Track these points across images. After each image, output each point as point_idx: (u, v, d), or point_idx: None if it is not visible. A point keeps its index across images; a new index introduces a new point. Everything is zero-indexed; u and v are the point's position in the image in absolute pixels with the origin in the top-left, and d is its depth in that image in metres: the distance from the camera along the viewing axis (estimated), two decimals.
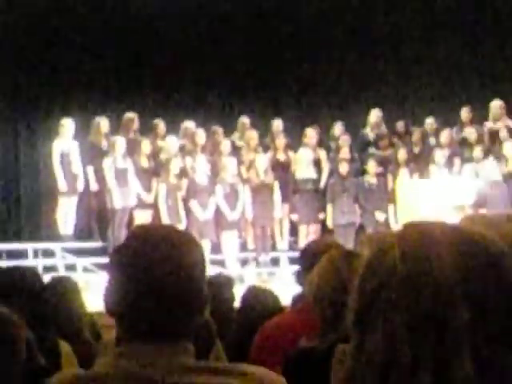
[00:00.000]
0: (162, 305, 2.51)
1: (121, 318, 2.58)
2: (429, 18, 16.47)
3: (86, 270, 13.75)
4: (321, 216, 14.73)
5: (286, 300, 6.50)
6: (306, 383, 3.00)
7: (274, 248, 14.68)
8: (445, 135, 15.33)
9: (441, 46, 16.62)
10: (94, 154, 14.67)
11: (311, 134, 15.13)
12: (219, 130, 15.16)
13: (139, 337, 2.53)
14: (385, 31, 16.53)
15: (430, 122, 15.86)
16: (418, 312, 1.62)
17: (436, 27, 16.52)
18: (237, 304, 6.86)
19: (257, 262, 14.48)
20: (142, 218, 14.15)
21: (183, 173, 14.35)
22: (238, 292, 7.21)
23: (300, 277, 4.98)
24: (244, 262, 14.46)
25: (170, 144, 14.68)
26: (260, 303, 6.22)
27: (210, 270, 10.25)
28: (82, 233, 14.89)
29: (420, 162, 15.07)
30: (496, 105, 15.60)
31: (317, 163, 14.95)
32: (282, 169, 14.82)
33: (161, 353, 2.50)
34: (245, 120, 15.55)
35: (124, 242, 2.65)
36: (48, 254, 14.36)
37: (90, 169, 14.61)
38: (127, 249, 2.60)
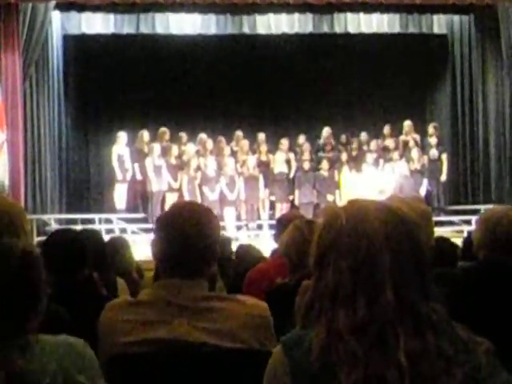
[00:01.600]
0: (188, 253, 2.54)
1: (161, 261, 2.60)
2: (366, 66, 16.39)
3: (133, 232, 13.69)
4: (290, 197, 14.70)
5: (267, 253, 6.50)
6: (282, 309, 3.00)
7: (258, 218, 14.63)
8: (373, 144, 15.35)
9: (372, 87, 16.61)
10: (139, 156, 14.62)
11: (284, 142, 15.09)
12: (222, 139, 15.10)
13: (172, 274, 2.54)
14: (335, 80, 16.47)
15: (363, 135, 15.84)
16: (356, 257, 1.65)
17: (372, 74, 16.46)
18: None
19: (247, 228, 14.46)
20: (171, 198, 14.11)
21: (198, 168, 14.31)
22: (234, 247, 7.22)
23: (276, 237, 4.99)
24: (239, 228, 14.41)
25: (190, 149, 14.63)
26: (248, 254, 6.24)
27: None
28: (130, 207, 14.84)
29: (356, 161, 15.05)
30: (407, 123, 15.60)
31: (288, 162, 14.91)
32: (264, 166, 14.77)
33: (185, 286, 2.53)
34: (239, 133, 15.49)
35: (165, 212, 2.71)
36: (108, 221, 14.33)
37: (136, 165, 14.57)
38: (167, 216, 2.65)
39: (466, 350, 1.64)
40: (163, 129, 14.99)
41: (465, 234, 11.98)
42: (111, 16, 15.00)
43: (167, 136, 14.93)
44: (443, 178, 14.95)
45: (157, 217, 2.82)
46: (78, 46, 15.85)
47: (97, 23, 15.07)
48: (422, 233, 1.76)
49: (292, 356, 1.70)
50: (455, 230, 13.75)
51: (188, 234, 2.51)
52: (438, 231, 11.68)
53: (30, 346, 2.02)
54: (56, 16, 14.67)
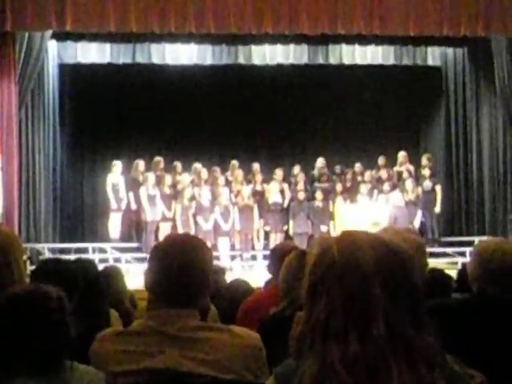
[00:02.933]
0: (181, 284, 2.54)
1: (153, 291, 2.60)
2: (361, 97, 16.47)
3: (127, 261, 13.65)
4: (284, 227, 14.68)
5: (260, 282, 6.47)
6: (275, 339, 2.99)
7: (253, 248, 14.60)
8: (367, 175, 15.37)
9: (367, 119, 16.68)
10: (133, 185, 14.61)
11: (278, 173, 15.11)
12: (217, 169, 15.11)
13: (164, 305, 2.54)
14: (330, 111, 16.54)
15: (357, 165, 15.87)
16: (348, 291, 1.64)
17: (367, 105, 16.54)
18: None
19: (241, 258, 14.42)
20: (165, 227, 14.10)
21: (193, 198, 14.30)
22: (228, 277, 7.19)
23: (270, 268, 4.97)
24: (233, 258, 14.38)
25: (184, 178, 14.63)
26: (238, 286, 6.22)
27: None
28: (124, 237, 14.81)
29: (351, 192, 15.07)
30: (401, 154, 15.66)
31: (282, 192, 14.92)
32: (259, 196, 14.77)
33: (177, 316, 2.52)
34: (234, 163, 15.50)
35: (159, 243, 2.71)
36: (102, 250, 14.28)
37: (131, 194, 14.57)
38: (160, 248, 2.65)
39: (459, 383, 1.64)
40: (158, 158, 15.02)
41: (459, 266, 11.97)
42: (107, 45, 15.08)
43: (162, 165, 14.94)
44: (437, 209, 14.96)
45: (151, 247, 2.83)
46: (74, 75, 15.90)
47: (93, 52, 15.14)
48: (414, 265, 1.75)
49: None
50: (449, 261, 13.73)
51: (181, 266, 2.52)
52: (432, 263, 11.65)
53: (68, 371, 2.33)
54: (52, 45, 14.74)
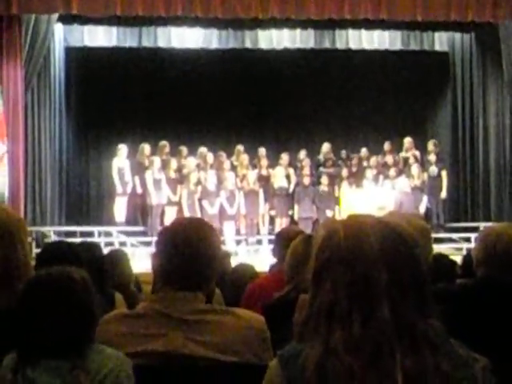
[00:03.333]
0: (187, 267, 2.55)
1: (160, 275, 2.60)
2: (367, 82, 16.42)
3: (132, 245, 13.67)
4: (290, 212, 14.68)
5: (265, 267, 6.48)
6: (279, 323, 2.99)
7: (258, 233, 14.61)
8: (373, 160, 15.36)
9: (373, 104, 16.65)
10: (139, 169, 14.62)
11: (284, 157, 15.12)
12: (223, 154, 15.11)
13: (169, 288, 2.54)
14: (336, 96, 16.49)
15: (363, 151, 15.85)
16: (354, 273, 1.64)
17: (373, 90, 16.51)
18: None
19: (247, 242, 14.43)
20: (170, 212, 14.11)
21: (198, 182, 14.30)
22: (234, 262, 7.21)
23: (275, 252, 4.98)
24: (238, 242, 14.39)
25: (190, 163, 14.63)
26: (243, 270, 6.23)
27: None
28: (130, 220, 14.83)
29: (356, 177, 15.06)
30: (407, 140, 15.63)
31: (288, 177, 14.92)
32: (264, 180, 14.77)
33: (181, 298, 2.52)
34: (240, 147, 15.49)
35: (167, 227, 2.72)
36: (107, 234, 14.31)
37: (137, 178, 14.57)
38: (168, 232, 2.65)
39: (463, 367, 1.63)
40: (163, 142, 15.01)
41: (464, 252, 11.99)
42: (113, 29, 15.04)
43: (167, 149, 14.93)
44: (443, 195, 14.94)
45: (159, 230, 2.83)
46: (80, 59, 15.88)
47: (99, 36, 15.11)
48: (420, 249, 1.75)
49: (288, 370, 1.69)
50: (454, 247, 13.73)
51: (189, 249, 2.52)
52: (437, 248, 11.64)
53: (93, 353, 2.33)
54: (58, 28, 14.71)
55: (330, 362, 1.60)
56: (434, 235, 13.78)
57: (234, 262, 7.37)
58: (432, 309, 1.67)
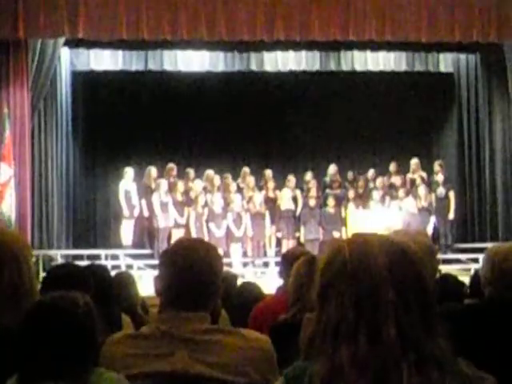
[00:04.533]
0: (190, 287, 2.55)
1: (164, 296, 2.61)
2: (373, 104, 16.46)
3: (139, 268, 13.67)
4: (296, 234, 14.68)
5: (272, 289, 6.46)
6: (286, 344, 2.98)
7: (265, 255, 14.60)
8: (379, 181, 15.35)
9: (378, 125, 16.68)
10: (146, 191, 14.65)
11: (291, 179, 15.14)
12: (229, 176, 15.14)
13: (174, 308, 2.54)
14: (342, 117, 16.49)
15: (370, 172, 15.87)
16: (359, 293, 1.63)
17: (379, 111, 16.54)
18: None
19: (253, 264, 14.42)
20: (178, 234, 14.10)
21: (205, 205, 14.33)
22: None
23: (281, 274, 4.97)
24: (245, 264, 14.38)
25: (197, 185, 14.66)
26: (249, 291, 6.22)
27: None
28: (137, 243, 14.83)
29: (363, 199, 15.05)
30: (414, 161, 15.64)
31: (294, 199, 14.93)
32: (271, 202, 14.78)
33: (187, 318, 2.52)
34: (246, 169, 15.53)
35: (169, 248, 2.73)
36: (114, 257, 14.31)
37: (143, 201, 14.60)
38: (170, 252, 2.65)
39: None
40: (170, 165, 15.05)
41: (472, 272, 11.92)
42: (120, 53, 15.13)
43: (174, 172, 14.97)
44: (451, 215, 14.92)
45: (161, 252, 2.84)
46: (87, 82, 15.98)
47: (105, 60, 15.21)
48: (425, 267, 1.74)
49: None
50: (462, 268, 13.67)
51: (190, 269, 2.53)
52: (445, 269, 11.62)
53: (92, 376, 2.34)
54: (65, 52, 14.80)
55: (335, 379, 1.60)
56: (441, 256, 13.82)
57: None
58: (438, 327, 1.66)
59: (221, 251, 13.59)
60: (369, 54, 15.55)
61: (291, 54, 15.45)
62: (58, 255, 13.86)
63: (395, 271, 1.64)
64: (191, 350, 2.45)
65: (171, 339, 2.47)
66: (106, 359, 2.50)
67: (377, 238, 1.71)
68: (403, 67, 15.81)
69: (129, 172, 14.71)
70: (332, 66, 15.63)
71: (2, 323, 2.65)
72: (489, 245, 13.18)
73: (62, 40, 13.74)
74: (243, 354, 2.48)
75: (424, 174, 15.45)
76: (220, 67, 15.50)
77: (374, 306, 1.61)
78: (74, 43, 14.45)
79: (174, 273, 2.55)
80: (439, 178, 15.02)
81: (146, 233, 14.91)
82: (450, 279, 5.20)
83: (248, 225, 14.30)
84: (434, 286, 3.00)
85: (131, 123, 16.34)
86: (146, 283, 9.71)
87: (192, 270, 2.53)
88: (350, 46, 15.00)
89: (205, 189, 14.70)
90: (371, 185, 15.49)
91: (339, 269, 1.67)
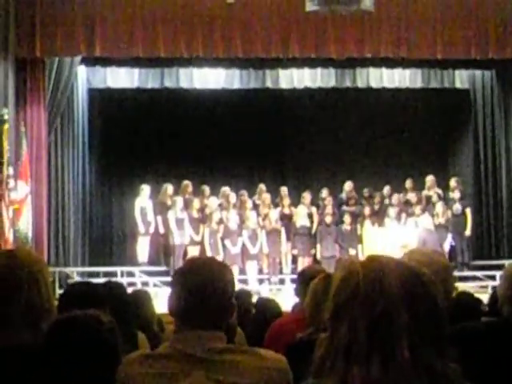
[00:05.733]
0: (204, 307, 2.55)
1: (177, 315, 2.62)
2: (388, 120, 16.48)
3: (155, 285, 13.69)
4: (312, 251, 14.66)
5: (288, 307, 6.46)
6: (302, 363, 2.98)
7: (281, 272, 14.59)
8: (395, 198, 15.32)
9: (394, 142, 16.67)
10: (161, 208, 14.69)
11: (306, 196, 15.15)
12: (245, 193, 15.17)
13: (188, 328, 2.55)
14: (358, 134, 16.49)
15: (386, 189, 15.85)
16: (373, 315, 1.63)
17: (395, 128, 16.55)
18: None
19: (269, 282, 14.41)
20: (193, 251, 14.14)
21: (221, 221, 14.34)
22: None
23: (298, 292, 4.97)
24: (261, 281, 14.37)
25: (213, 202, 14.69)
26: (267, 307, 6.21)
27: (238, 287, 10.23)
28: (153, 260, 14.87)
29: (379, 216, 15.03)
30: (429, 178, 15.61)
31: (310, 216, 14.92)
32: (286, 219, 14.78)
33: (203, 338, 2.53)
34: (262, 186, 15.56)
35: (181, 267, 2.73)
36: (130, 274, 14.34)
37: (159, 218, 14.64)
38: (182, 271, 2.67)
39: None
40: (186, 182, 15.09)
41: (489, 290, 11.88)
42: (136, 70, 15.23)
43: (190, 189, 15.02)
44: (468, 232, 14.86)
45: (174, 271, 2.85)
46: (103, 100, 16.09)
47: (121, 77, 15.31)
48: (439, 291, 1.75)
49: None
50: (479, 285, 13.62)
51: (201, 288, 2.53)
52: (462, 286, 11.55)
53: None
54: (81, 70, 14.92)
55: None
56: (458, 273, 13.74)
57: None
58: (448, 351, 1.66)
59: (236, 268, 13.61)
60: (384, 70, 15.58)
61: (306, 71, 15.50)
62: (74, 272, 13.92)
63: (409, 294, 1.65)
64: (208, 370, 2.46)
65: (188, 359, 2.47)
66: (123, 378, 2.51)
67: (391, 262, 1.72)
68: (418, 84, 15.84)
69: (145, 189, 14.77)
70: (347, 83, 15.66)
71: (18, 341, 2.66)
72: (506, 262, 13.16)
73: (78, 58, 13.87)
74: (260, 373, 2.48)
75: (440, 191, 15.42)
76: (235, 84, 15.58)
77: (387, 329, 1.62)
78: (90, 61, 14.57)
79: (185, 292, 2.55)
80: (456, 194, 14.99)
81: (162, 250, 14.96)
82: (466, 297, 5.18)
83: (264, 242, 14.31)
84: (450, 306, 3.00)
85: (147, 140, 16.42)
86: (161, 300, 9.71)
87: (204, 289, 2.53)
88: (366, 62, 15.03)
89: (220, 205, 14.73)
90: (387, 201, 15.48)
91: (352, 292, 1.67)
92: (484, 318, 4.89)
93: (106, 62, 14.69)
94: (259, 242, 14.24)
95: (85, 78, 15.28)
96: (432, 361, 1.61)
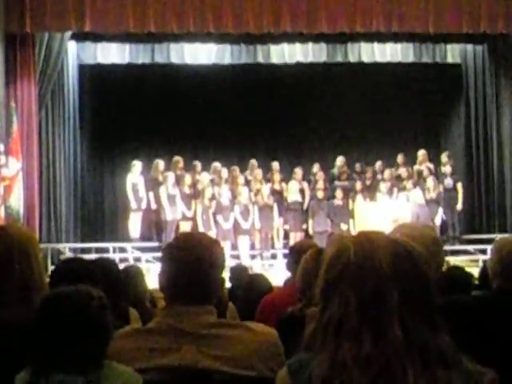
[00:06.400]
0: (193, 282, 2.56)
1: (167, 291, 2.62)
2: (380, 95, 16.45)
3: (147, 261, 13.69)
4: (304, 226, 14.68)
5: (280, 281, 6.47)
6: (293, 337, 2.99)
7: (272, 247, 14.61)
8: (387, 173, 15.32)
9: (386, 116, 16.65)
10: (153, 184, 14.67)
11: (298, 171, 15.14)
12: (236, 168, 15.14)
13: (178, 303, 2.55)
14: (350, 109, 16.44)
15: (378, 164, 15.86)
16: (363, 293, 1.64)
17: (386, 103, 16.53)
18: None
19: (261, 257, 14.43)
20: (185, 227, 14.13)
21: (213, 197, 14.33)
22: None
23: (289, 266, 4.98)
24: (253, 257, 14.40)
25: (204, 178, 14.66)
26: (258, 283, 6.23)
27: (231, 262, 10.25)
28: (145, 236, 14.87)
29: (370, 190, 15.04)
30: (421, 153, 15.62)
31: (301, 191, 14.92)
32: (278, 195, 14.78)
33: (193, 312, 2.54)
34: (253, 162, 15.54)
35: (170, 243, 2.73)
36: (122, 250, 14.34)
37: (151, 194, 14.62)
38: (172, 247, 2.67)
39: (473, 381, 1.63)
40: (177, 158, 15.06)
41: (480, 264, 11.93)
42: (126, 46, 15.15)
43: (181, 165, 14.98)
44: (459, 207, 14.90)
45: (164, 246, 2.86)
46: (94, 76, 16.01)
47: (112, 53, 15.22)
48: (430, 267, 1.75)
49: (297, 380, 1.70)
50: (470, 259, 13.68)
51: (191, 263, 2.54)
52: (453, 260, 11.64)
53: (105, 370, 2.36)
54: (72, 46, 14.83)
55: (338, 375, 1.61)
56: (449, 247, 13.78)
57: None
58: (440, 323, 1.67)
59: (228, 244, 13.63)
60: (376, 45, 15.52)
61: (298, 46, 15.43)
62: (66, 248, 13.91)
63: (399, 271, 1.65)
64: (198, 344, 2.47)
65: (178, 333, 2.49)
66: (114, 353, 2.52)
67: (381, 238, 1.72)
68: (410, 58, 15.79)
69: (136, 165, 14.72)
70: (339, 58, 15.61)
71: (13, 317, 2.67)
72: (497, 236, 13.21)
73: (68, 34, 13.78)
74: (250, 347, 2.49)
75: (431, 166, 15.43)
76: (227, 60, 15.51)
77: (377, 306, 1.62)
78: (80, 37, 14.48)
79: (175, 267, 2.56)
80: (447, 169, 15.01)
81: (154, 225, 14.95)
82: (457, 271, 5.19)
83: (256, 217, 14.31)
84: (441, 280, 3.01)
85: (138, 116, 16.36)
86: (153, 276, 9.74)
87: (194, 264, 2.54)
88: (357, 37, 14.96)
89: (212, 181, 14.71)
90: (379, 176, 15.48)
91: (343, 268, 1.68)
92: (475, 291, 4.91)
93: (96, 37, 14.60)
94: (251, 218, 14.25)
95: (75, 53, 15.18)
96: (424, 335, 1.62)
